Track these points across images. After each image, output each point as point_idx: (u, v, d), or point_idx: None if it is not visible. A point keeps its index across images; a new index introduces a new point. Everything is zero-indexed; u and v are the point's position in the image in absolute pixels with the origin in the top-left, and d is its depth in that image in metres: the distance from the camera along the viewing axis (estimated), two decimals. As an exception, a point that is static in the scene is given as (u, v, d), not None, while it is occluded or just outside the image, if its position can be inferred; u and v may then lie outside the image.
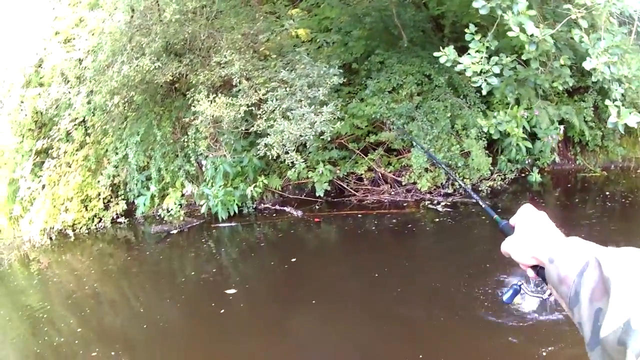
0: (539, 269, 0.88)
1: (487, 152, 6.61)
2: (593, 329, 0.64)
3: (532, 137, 6.88)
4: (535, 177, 6.86)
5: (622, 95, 4.61)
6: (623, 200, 6.59)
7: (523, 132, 6.72)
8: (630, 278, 0.60)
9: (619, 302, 0.59)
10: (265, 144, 6.28)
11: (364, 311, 4.44)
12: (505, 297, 1.06)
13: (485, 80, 4.44)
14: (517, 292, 1.05)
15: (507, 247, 0.94)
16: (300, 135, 6.21)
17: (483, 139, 6.55)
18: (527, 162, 7.02)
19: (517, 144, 6.76)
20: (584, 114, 7.02)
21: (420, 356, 3.60)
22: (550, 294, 0.90)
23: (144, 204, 7.32)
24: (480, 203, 1.21)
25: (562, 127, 6.91)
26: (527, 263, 0.89)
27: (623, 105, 4.35)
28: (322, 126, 6.16)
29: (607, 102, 4.40)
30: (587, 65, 4.27)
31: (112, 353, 4.21)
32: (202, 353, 4.08)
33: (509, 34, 4.31)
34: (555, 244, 0.81)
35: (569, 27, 4.99)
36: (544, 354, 3.44)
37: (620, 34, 4.52)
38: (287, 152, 6.32)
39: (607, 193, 6.77)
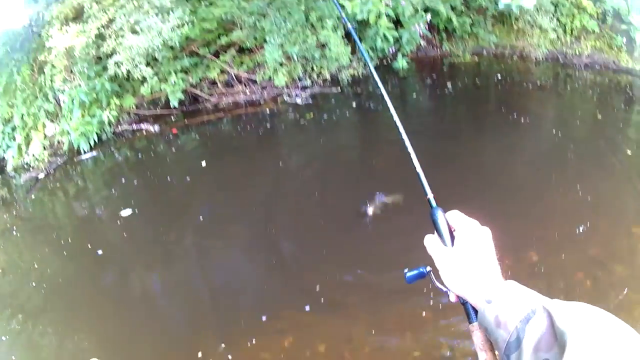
0: (464, 301, 0.85)
1: (346, 41, 6.36)
2: None
3: (396, 24, 6.65)
4: (401, 63, 6.60)
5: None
6: (496, 82, 6.33)
7: (389, 21, 6.50)
8: (586, 334, 0.60)
9: (575, 358, 0.58)
10: (115, 62, 6.08)
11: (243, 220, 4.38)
12: (408, 275, 0.96)
13: None
14: (422, 276, 0.95)
15: (439, 260, 0.88)
16: (149, 47, 6.03)
17: (340, 28, 6.30)
18: (390, 49, 6.75)
19: (384, 34, 6.53)
20: (451, 1, 6.81)
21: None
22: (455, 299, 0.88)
23: (13, 156, 6.95)
24: (419, 172, 1.01)
25: (427, 15, 6.69)
26: (456, 293, 0.86)
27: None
28: (169, 32, 5.97)
29: None
30: None
31: (13, 320, 4.07)
32: (88, 298, 4.06)
33: None
34: (494, 286, 0.78)
35: None
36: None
37: None
38: (136, 66, 6.11)
39: (480, 77, 6.52)
